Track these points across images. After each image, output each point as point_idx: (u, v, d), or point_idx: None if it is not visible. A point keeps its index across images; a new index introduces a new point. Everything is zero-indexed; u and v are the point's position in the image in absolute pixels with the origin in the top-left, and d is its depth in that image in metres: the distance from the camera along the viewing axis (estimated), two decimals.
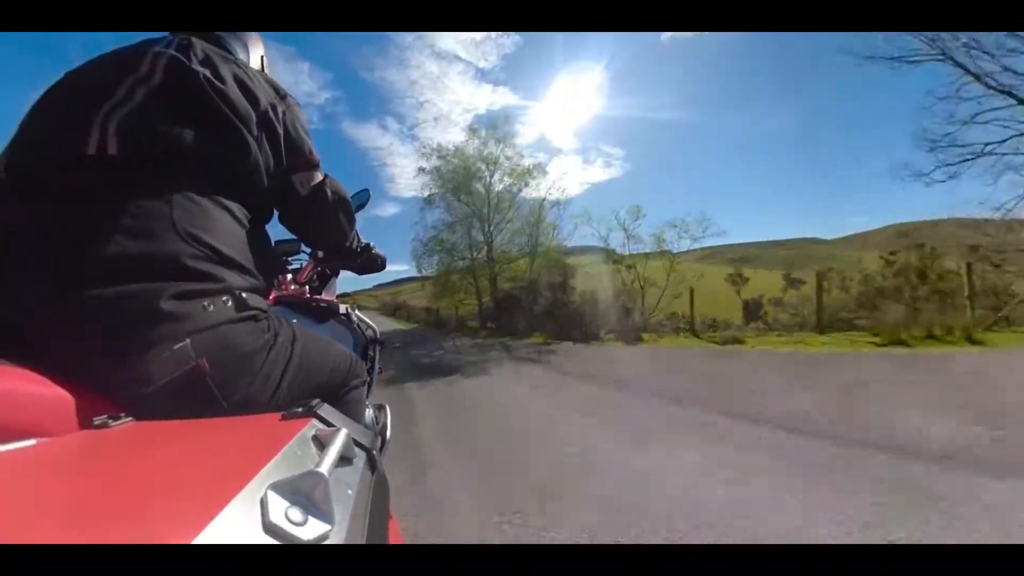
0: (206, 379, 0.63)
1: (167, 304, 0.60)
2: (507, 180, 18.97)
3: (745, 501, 2.42)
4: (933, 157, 10.33)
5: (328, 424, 0.47)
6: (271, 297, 1.26)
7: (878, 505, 2.25)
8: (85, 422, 0.49)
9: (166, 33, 0.90)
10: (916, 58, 10.39)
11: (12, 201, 0.64)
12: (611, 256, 15.10)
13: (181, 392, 0.61)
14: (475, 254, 18.97)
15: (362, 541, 0.35)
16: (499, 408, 5.30)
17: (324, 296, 1.50)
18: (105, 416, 0.50)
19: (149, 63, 0.72)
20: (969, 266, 8.36)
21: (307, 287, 1.53)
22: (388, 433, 1.40)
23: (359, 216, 1.30)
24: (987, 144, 9.77)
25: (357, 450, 0.48)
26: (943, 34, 9.54)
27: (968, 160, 10.03)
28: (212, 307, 0.65)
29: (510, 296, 16.36)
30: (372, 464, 0.49)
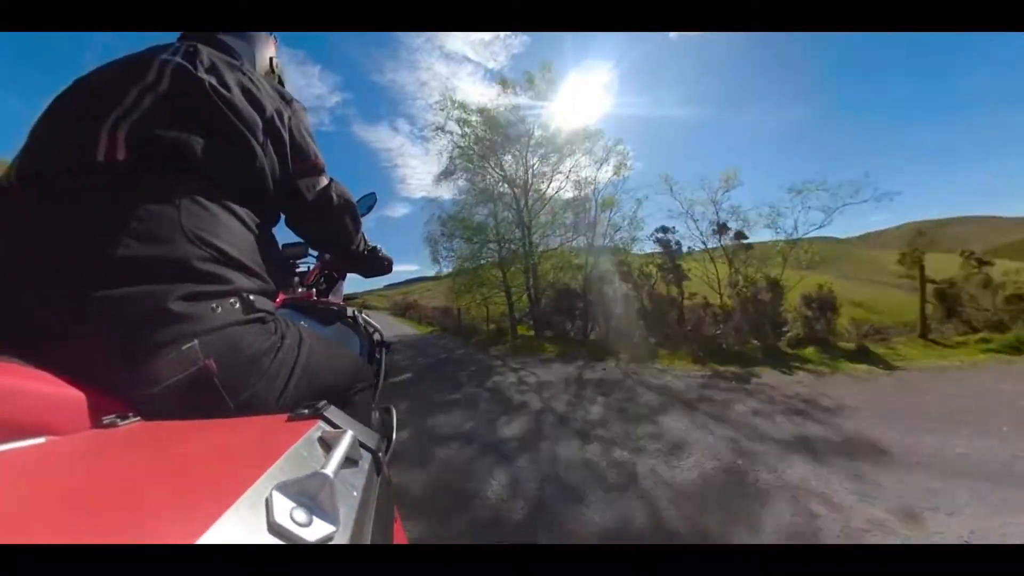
0: (213, 380, 0.63)
1: (176, 305, 0.61)
2: (549, 147, 14.24)
3: None
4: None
5: (334, 426, 0.48)
6: (278, 300, 1.27)
7: None
8: (94, 421, 0.50)
9: (175, 36, 0.91)
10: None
11: (24, 205, 0.65)
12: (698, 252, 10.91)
13: (189, 392, 0.61)
14: (506, 242, 14.37)
15: (366, 542, 0.36)
16: None
17: (331, 299, 1.51)
18: (113, 415, 0.51)
19: (156, 70, 0.74)
20: None
21: (314, 290, 1.54)
22: (394, 436, 1.40)
23: (366, 219, 1.31)
24: None
25: (363, 452, 0.48)
26: None
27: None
28: (220, 309, 0.66)
29: (566, 294, 12.03)
30: (378, 466, 0.50)
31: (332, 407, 0.52)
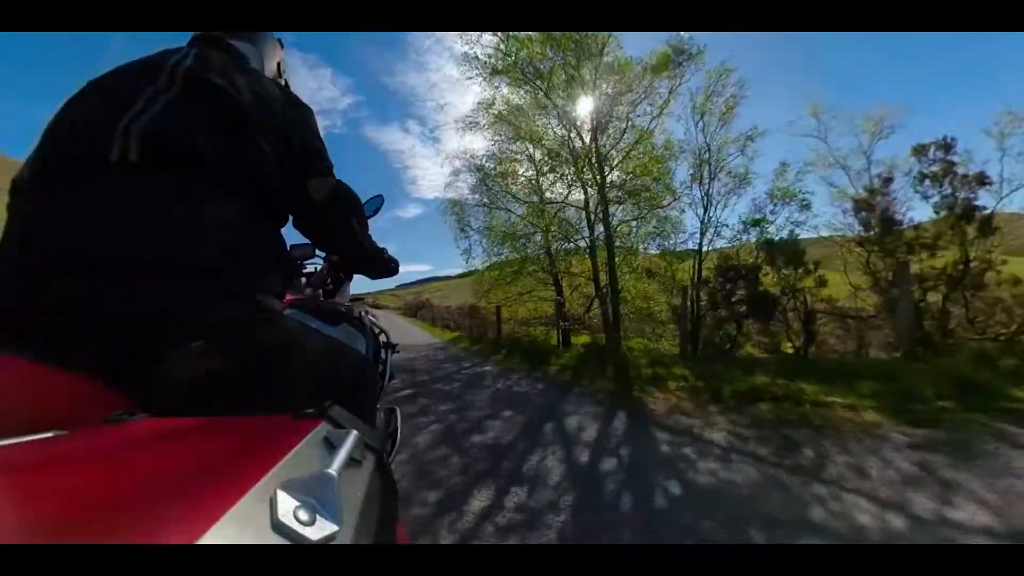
0: (221, 378, 0.64)
1: (185, 304, 0.62)
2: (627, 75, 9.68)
3: None
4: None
5: (339, 426, 0.48)
6: (286, 300, 1.28)
7: None
8: (102, 416, 0.51)
9: (189, 34, 0.92)
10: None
11: (37, 204, 0.66)
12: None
13: (196, 390, 0.62)
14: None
15: (369, 542, 0.36)
16: None
17: (338, 299, 1.52)
18: (121, 411, 0.52)
19: (168, 73, 0.75)
20: None
21: (321, 291, 1.55)
22: (398, 436, 1.41)
23: (379, 220, 1.31)
24: None
25: (367, 452, 0.48)
26: None
27: None
28: (228, 307, 0.67)
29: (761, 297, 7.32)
30: (381, 467, 0.50)
31: (337, 407, 0.52)
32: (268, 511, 0.28)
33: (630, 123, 10.16)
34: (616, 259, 9.85)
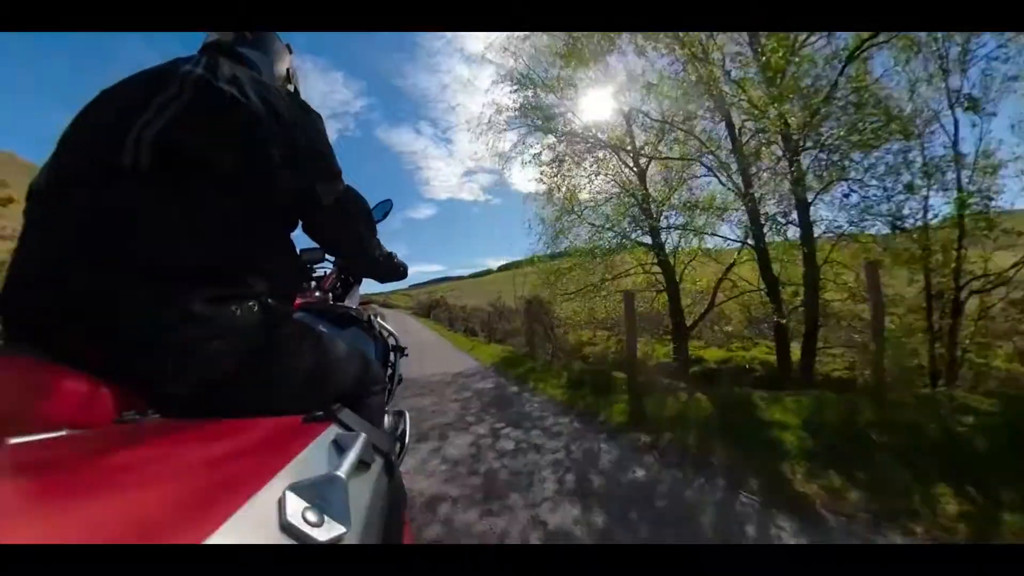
0: (232, 380, 0.65)
1: (197, 307, 0.62)
2: None
3: None
4: None
5: (348, 428, 0.48)
6: (296, 303, 1.29)
7: None
8: (115, 416, 0.51)
9: (194, 34, 0.93)
10: None
11: (55, 210, 0.68)
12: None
13: (207, 392, 0.63)
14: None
15: (376, 544, 0.36)
16: None
17: (347, 303, 1.53)
18: (134, 412, 0.52)
19: (178, 81, 0.76)
20: None
21: (330, 294, 1.56)
22: (406, 439, 1.41)
23: (393, 221, 1.32)
24: None
25: (375, 455, 0.48)
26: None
27: None
28: (240, 311, 0.68)
29: None
30: (389, 469, 0.50)
31: (346, 410, 0.52)
32: (277, 512, 0.28)
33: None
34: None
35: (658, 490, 2.52)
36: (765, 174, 6.67)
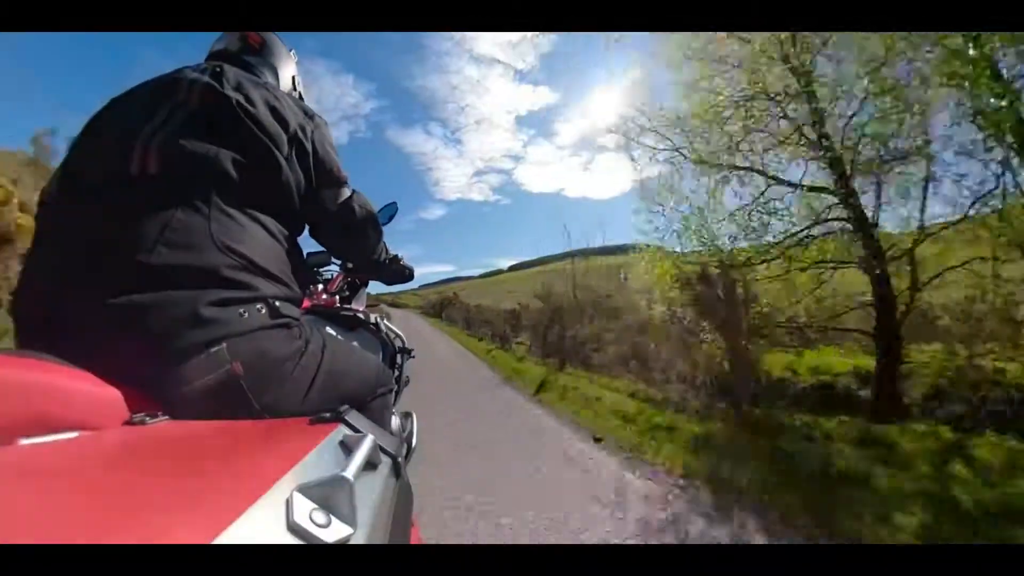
0: (240, 382, 0.65)
1: (205, 310, 0.63)
2: None
3: None
4: None
5: (355, 430, 0.48)
6: (303, 306, 1.29)
7: None
8: (124, 418, 0.52)
9: (201, 34, 0.94)
10: None
11: (65, 216, 0.69)
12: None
13: (216, 394, 0.63)
14: None
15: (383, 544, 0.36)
16: None
17: (354, 305, 1.54)
18: (143, 413, 0.53)
19: (185, 89, 0.78)
20: None
21: (337, 297, 1.57)
22: (414, 441, 1.41)
23: (403, 222, 1.32)
24: None
25: (383, 456, 0.48)
26: None
27: None
28: (247, 314, 0.68)
29: None
30: (397, 471, 0.50)
31: (353, 411, 0.52)
32: (284, 513, 0.28)
33: None
34: None
35: None
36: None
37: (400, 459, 0.52)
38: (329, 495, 0.32)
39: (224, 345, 0.64)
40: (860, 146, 5.70)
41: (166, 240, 0.64)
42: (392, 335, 1.50)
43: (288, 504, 0.29)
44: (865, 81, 5.42)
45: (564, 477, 3.04)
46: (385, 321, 1.50)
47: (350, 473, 0.34)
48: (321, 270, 1.59)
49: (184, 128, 0.73)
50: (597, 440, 3.74)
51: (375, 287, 1.69)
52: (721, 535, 2.19)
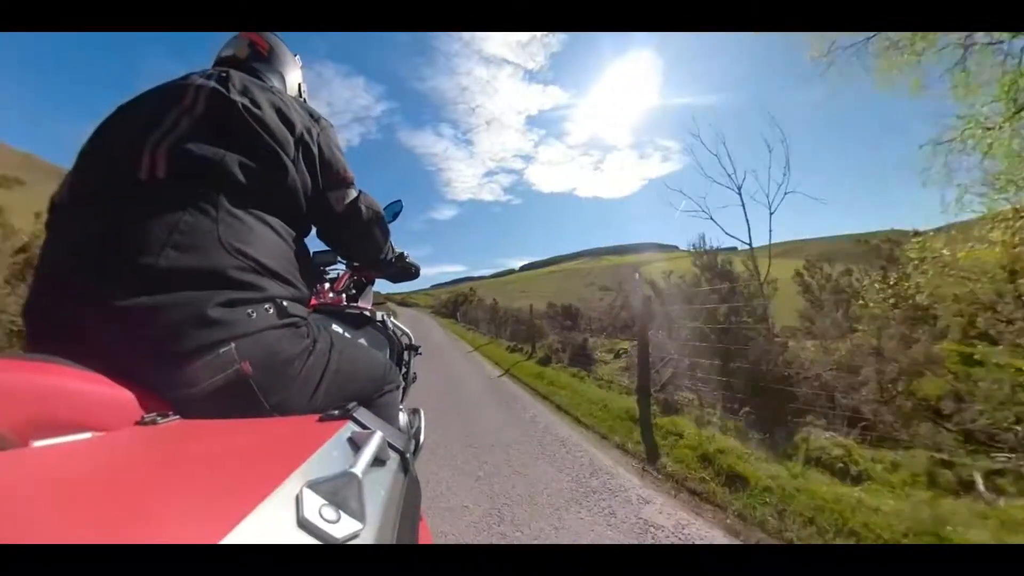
0: (249, 381, 0.66)
1: (214, 311, 0.64)
2: None
3: None
4: None
5: (363, 427, 0.48)
6: (310, 305, 1.30)
7: None
8: (136, 419, 0.52)
9: (180, 35, 0.94)
10: None
11: (75, 220, 0.70)
12: None
13: (225, 393, 0.64)
14: None
15: (392, 541, 0.36)
16: None
17: (361, 303, 1.54)
18: (155, 413, 0.53)
19: (192, 94, 0.78)
20: None
21: (344, 295, 1.57)
22: (422, 437, 1.42)
23: (406, 224, 1.33)
24: None
25: (391, 452, 0.48)
26: None
27: None
28: (255, 314, 0.69)
29: None
30: (405, 466, 0.50)
31: (362, 408, 0.52)
32: (295, 509, 0.28)
33: None
34: None
35: None
36: None
37: (408, 455, 0.52)
38: (338, 491, 0.32)
39: (233, 345, 0.64)
40: None
41: (174, 243, 0.64)
42: (399, 332, 1.51)
43: (298, 500, 0.29)
44: None
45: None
46: (391, 319, 1.51)
47: (359, 469, 0.34)
48: (327, 269, 1.60)
49: (191, 133, 0.74)
50: None
51: (386, 287, 1.69)
52: None
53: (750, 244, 7.03)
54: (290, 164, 0.83)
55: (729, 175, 7.76)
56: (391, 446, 0.49)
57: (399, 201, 1.67)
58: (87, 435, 0.45)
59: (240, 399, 0.65)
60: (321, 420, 0.49)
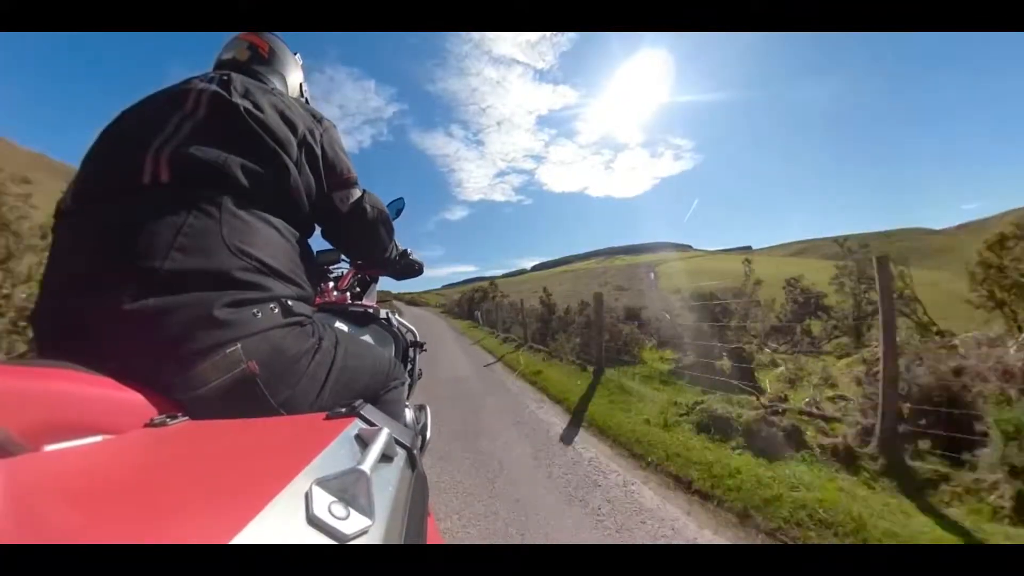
0: (256, 381, 0.66)
1: (220, 312, 0.64)
2: None
3: None
4: None
5: (370, 424, 0.49)
6: (315, 303, 1.30)
7: None
8: (146, 420, 0.53)
9: (206, 34, 0.94)
10: None
11: (80, 226, 0.70)
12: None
13: (233, 393, 0.64)
14: None
15: (401, 536, 0.36)
16: None
17: (365, 301, 1.55)
18: (163, 415, 0.54)
19: (194, 99, 0.79)
20: None
21: (348, 293, 1.58)
22: (428, 433, 1.43)
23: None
24: None
25: (398, 449, 0.49)
26: None
27: None
28: (261, 314, 0.69)
29: None
30: (412, 462, 0.51)
31: (368, 405, 0.53)
32: (304, 506, 0.29)
33: None
34: None
35: None
36: None
37: (415, 451, 0.53)
38: (347, 488, 0.32)
39: (239, 345, 0.65)
40: None
41: (179, 246, 0.65)
42: (404, 329, 1.52)
43: (307, 498, 0.29)
44: None
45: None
46: (396, 316, 1.51)
47: (367, 466, 0.35)
48: (331, 268, 1.60)
49: (194, 136, 0.74)
50: None
51: (398, 286, 1.70)
52: None
53: None
54: (293, 165, 0.83)
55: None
56: (398, 442, 0.49)
57: (401, 199, 1.68)
58: (98, 438, 0.45)
59: (248, 398, 0.66)
60: (328, 418, 0.49)
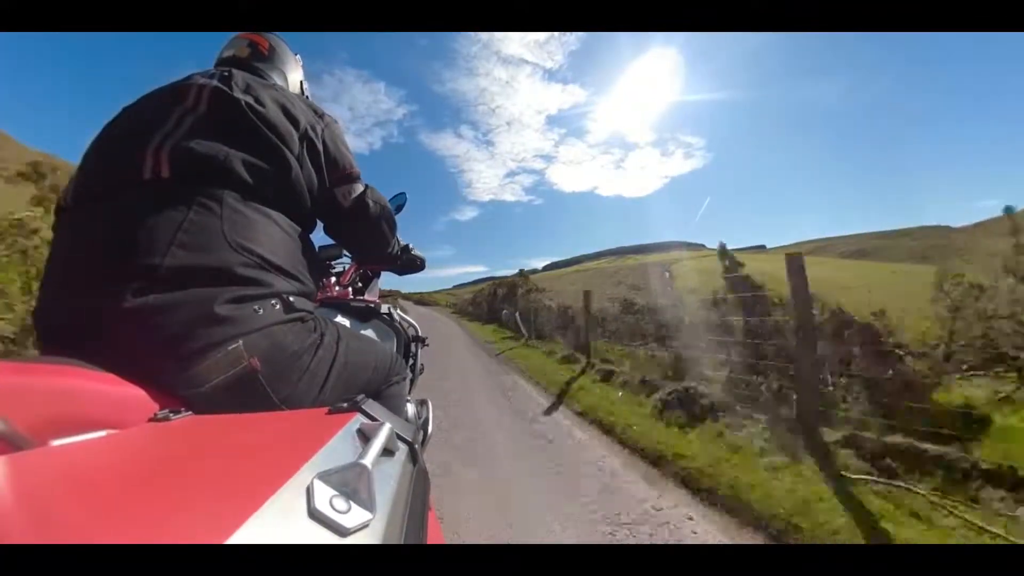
0: (258, 376, 0.67)
1: (221, 308, 0.64)
2: None
3: None
4: None
5: (372, 419, 0.49)
6: (317, 299, 1.31)
7: None
8: (149, 416, 0.53)
9: (180, 35, 0.95)
10: None
11: (81, 222, 0.70)
12: None
13: (235, 389, 0.65)
14: None
15: (401, 530, 0.37)
16: None
17: (367, 296, 1.55)
18: (167, 411, 0.54)
19: (195, 94, 0.79)
20: None
21: (350, 288, 1.58)
22: (429, 427, 1.44)
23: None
24: None
25: (399, 443, 0.49)
26: None
27: None
28: (262, 310, 0.69)
29: None
30: (413, 457, 0.51)
31: (370, 400, 0.53)
32: (306, 500, 0.29)
33: None
34: None
35: None
36: None
37: (416, 445, 0.53)
38: (348, 482, 0.33)
39: (241, 342, 0.65)
40: None
41: (180, 242, 0.65)
42: (405, 324, 1.52)
43: (309, 491, 0.30)
44: None
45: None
46: (398, 311, 1.52)
47: (368, 460, 0.35)
48: (333, 263, 1.61)
49: (195, 132, 0.74)
50: None
51: (406, 285, 1.70)
52: None
53: None
54: (294, 160, 0.83)
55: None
56: (400, 437, 0.50)
57: (403, 193, 1.68)
58: (102, 433, 0.46)
59: (250, 394, 0.66)
60: (330, 413, 0.49)
